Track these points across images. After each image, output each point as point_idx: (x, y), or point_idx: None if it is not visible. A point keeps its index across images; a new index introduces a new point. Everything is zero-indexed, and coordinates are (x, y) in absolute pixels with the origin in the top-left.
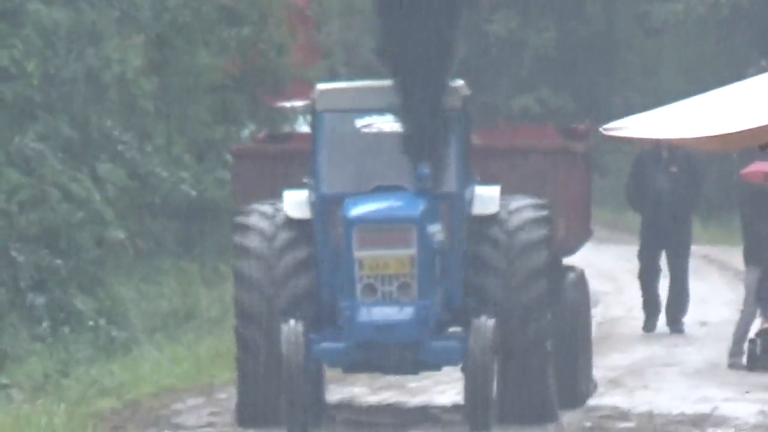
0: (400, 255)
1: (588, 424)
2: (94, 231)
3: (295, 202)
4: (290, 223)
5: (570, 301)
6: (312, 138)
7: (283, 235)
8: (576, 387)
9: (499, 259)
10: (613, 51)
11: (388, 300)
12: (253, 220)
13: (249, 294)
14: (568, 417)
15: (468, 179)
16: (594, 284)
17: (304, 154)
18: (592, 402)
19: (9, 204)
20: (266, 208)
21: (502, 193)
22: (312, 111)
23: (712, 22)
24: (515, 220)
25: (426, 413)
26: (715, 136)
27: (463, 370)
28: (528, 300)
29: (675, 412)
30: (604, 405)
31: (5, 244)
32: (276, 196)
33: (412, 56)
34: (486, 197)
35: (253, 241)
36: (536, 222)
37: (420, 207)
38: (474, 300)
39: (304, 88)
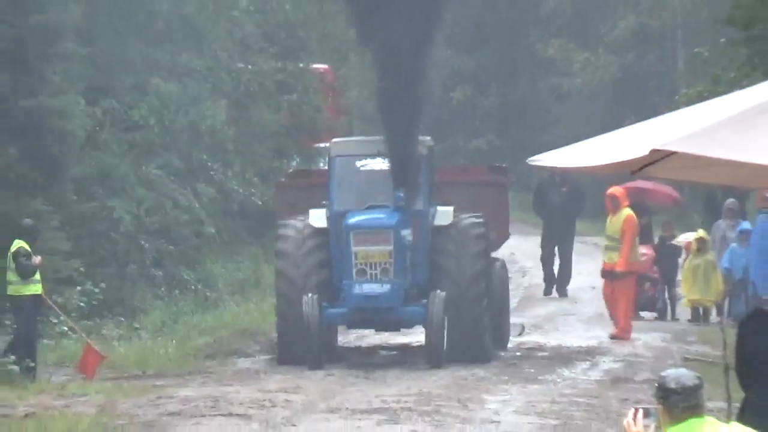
0: (382, 249)
1: (518, 353)
2: (194, 227)
3: (317, 216)
4: (314, 232)
5: (496, 278)
6: (327, 174)
7: (309, 243)
8: (501, 333)
9: (452, 247)
10: (536, 110)
11: (374, 279)
12: (288, 231)
13: (285, 284)
14: (503, 351)
15: (431, 201)
16: (523, 262)
17: (317, 186)
18: (520, 339)
19: (138, 210)
20: (298, 223)
21: (455, 212)
22: (328, 155)
23: (601, 91)
24: (463, 225)
25: (400, 356)
26: (603, 165)
27: (424, 326)
28: (471, 272)
29: (575, 345)
30: (528, 341)
31: (136, 236)
32: (302, 213)
33: (395, 122)
34: (443, 213)
35: (287, 247)
36: (476, 225)
37: (395, 218)
38: (435, 277)
39: (332, 135)
